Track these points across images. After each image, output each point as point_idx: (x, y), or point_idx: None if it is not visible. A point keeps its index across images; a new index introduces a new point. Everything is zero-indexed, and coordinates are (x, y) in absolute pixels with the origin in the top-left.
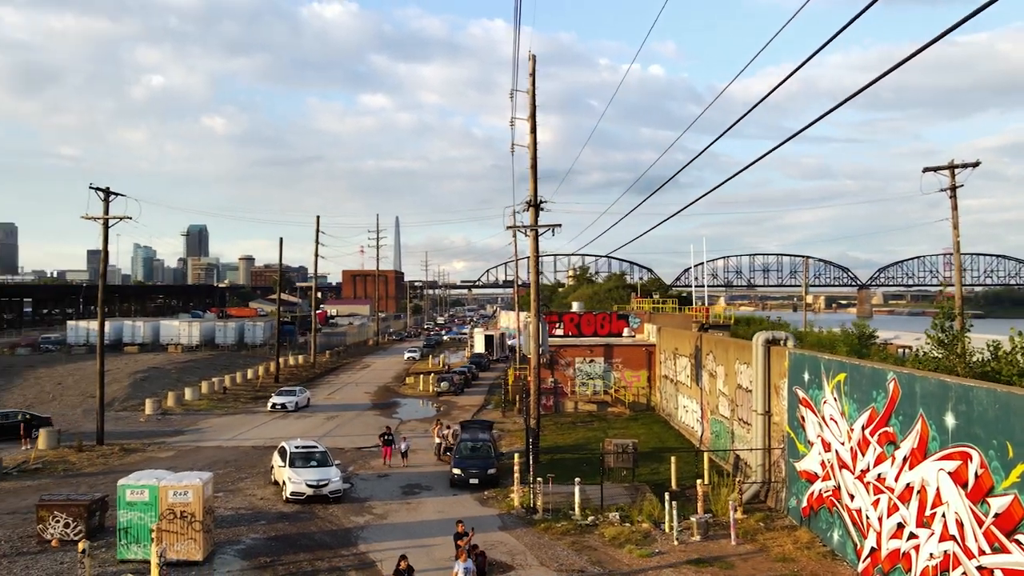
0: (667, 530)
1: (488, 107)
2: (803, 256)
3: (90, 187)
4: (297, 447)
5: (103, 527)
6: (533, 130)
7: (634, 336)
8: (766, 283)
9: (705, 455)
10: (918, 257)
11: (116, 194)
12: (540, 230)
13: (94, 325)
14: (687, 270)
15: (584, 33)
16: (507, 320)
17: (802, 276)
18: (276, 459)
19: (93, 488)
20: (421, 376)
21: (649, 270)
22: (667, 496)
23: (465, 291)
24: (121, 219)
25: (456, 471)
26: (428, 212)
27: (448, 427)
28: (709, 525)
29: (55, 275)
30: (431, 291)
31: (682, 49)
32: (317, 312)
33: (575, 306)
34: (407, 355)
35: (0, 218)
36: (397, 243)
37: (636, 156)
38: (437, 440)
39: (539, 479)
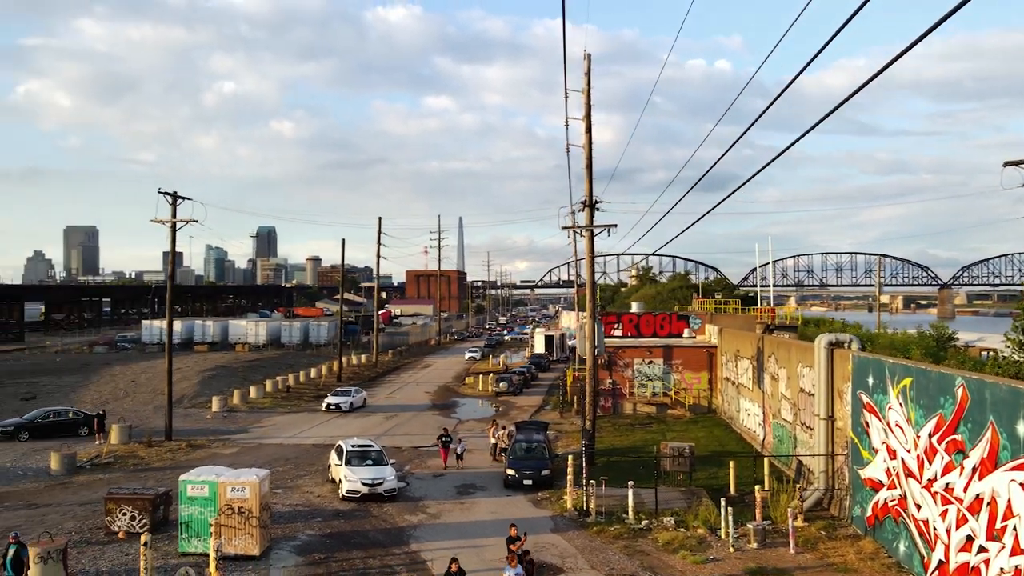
0: (723, 536)
1: (551, 107)
2: (878, 255)
3: (159, 191)
4: (353, 446)
5: (167, 520)
6: (588, 130)
7: (695, 337)
8: (839, 283)
9: (766, 460)
10: (1005, 255)
11: (183, 198)
12: (595, 230)
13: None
14: (754, 270)
15: (646, 29)
16: (568, 320)
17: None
18: (333, 457)
19: (159, 482)
20: (480, 376)
21: (715, 270)
22: (723, 501)
23: (527, 291)
24: (188, 222)
25: (510, 472)
26: (491, 212)
27: (503, 428)
28: (767, 532)
29: (133, 276)
30: (493, 291)
31: (748, 43)
32: (381, 312)
33: (634, 306)
34: (468, 355)
35: (83, 222)
36: (460, 243)
37: (701, 153)
38: (492, 441)
39: (592, 481)
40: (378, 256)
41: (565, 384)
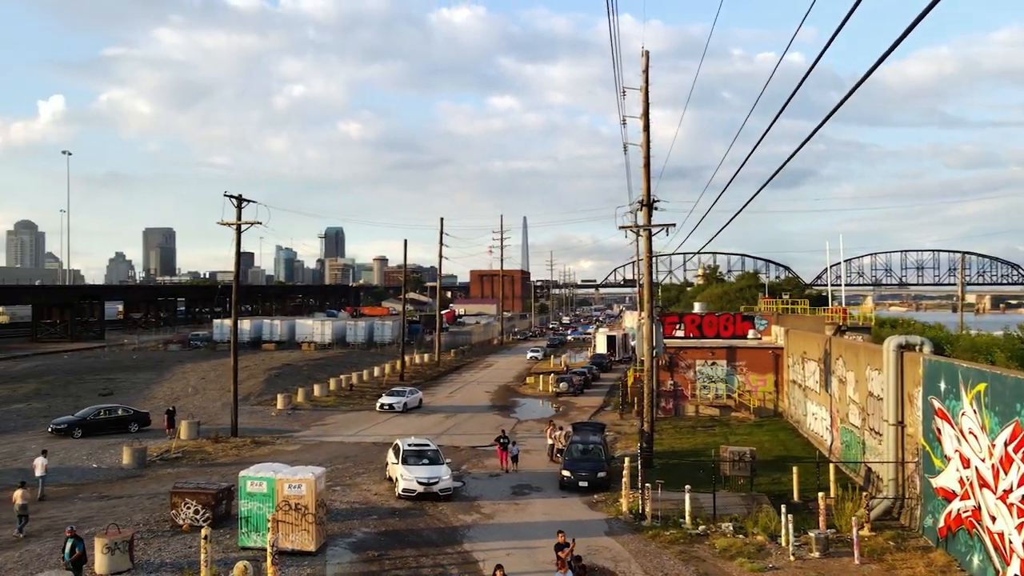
0: (783, 544)
1: (616, 104)
2: (963, 252)
3: (224, 195)
4: (410, 445)
5: (228, 515)
6: (646, 128)
7: (760, 339)
8: (920, 282)
9: (831, 466)
10: None
11: (248, 201)
12: (653, 230)
13: (239, 323)
14: (827, 269)
15: (721, 21)
16: (631, 320)
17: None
18: (390, 456)
19: (223, 478)
20: (541, 376)
21: (786, 268)
22: (783, 508)
23: (591, 290)
24: (252, 224)
25: (565, 473)
26: (556, 211)
27: (560, 428)
28: (830, 541)
29: (207, 276)
30: (557, 290)
31: (823, 36)
32: (445, 312)
33: (697, 307)
34: (529, 355)
35: (160, 224)
36: (524, 243)
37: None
38: (549, 441)
39: (648, 485)
40: (440, 256)
41: (626, 385)
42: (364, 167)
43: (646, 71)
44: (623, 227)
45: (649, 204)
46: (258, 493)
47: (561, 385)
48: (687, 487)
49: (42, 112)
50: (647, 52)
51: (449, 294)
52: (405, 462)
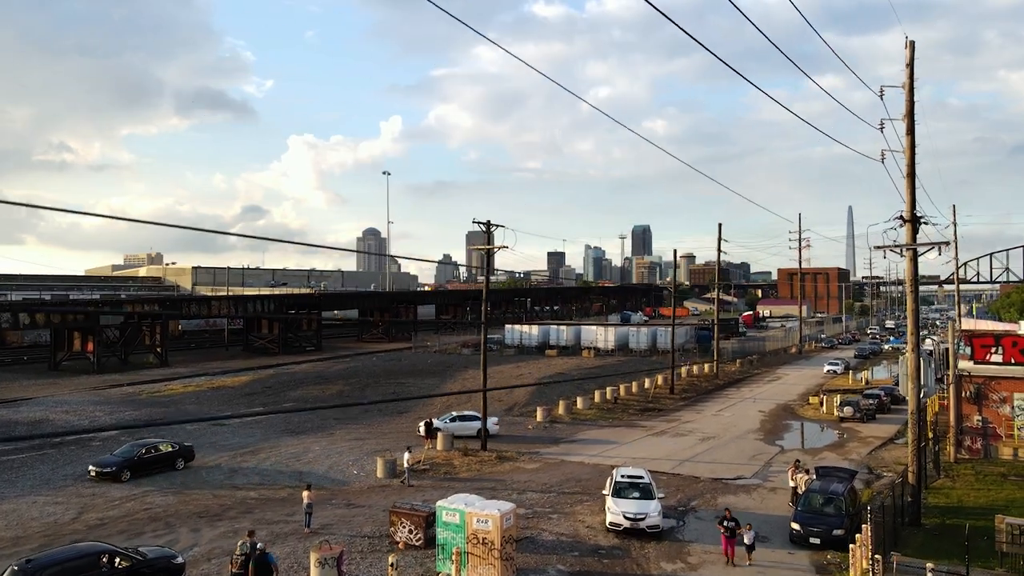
0: None
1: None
2: None
3: (473, 221)
4: (623, 476)
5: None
6: (910, 131)
7: None
8: None
9: None
10: None
11: (497, 226)
12: (920, 248)
13: (527, 328)
14: None
15: None
16: (970, 325)
17: None
18: (607, 485)
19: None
20: (828, 396)
21: None
22: None
23: (932, 287)
24: (500, 248)
25: (795, 526)
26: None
27: (806, 471)
28: None
29: (521, 275)
30: (889, 287)
31: None
32: (745, 314)
33: (1023, 326)
34: (827, 367)
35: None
36: (850, 235)
37: None
38: (791, 484)
39: (895, 552)
40: (718, 264)
41: (925, 414)
42: (670, 163)
43: (910, 65)
44: (880, 247)
45: (913, 220)
46: (452, 523)
47: (846, 410)
48: (928, 566)
49: (383, 131)
50: (912, 43)
51: (760, 292)
52: (617, 494)
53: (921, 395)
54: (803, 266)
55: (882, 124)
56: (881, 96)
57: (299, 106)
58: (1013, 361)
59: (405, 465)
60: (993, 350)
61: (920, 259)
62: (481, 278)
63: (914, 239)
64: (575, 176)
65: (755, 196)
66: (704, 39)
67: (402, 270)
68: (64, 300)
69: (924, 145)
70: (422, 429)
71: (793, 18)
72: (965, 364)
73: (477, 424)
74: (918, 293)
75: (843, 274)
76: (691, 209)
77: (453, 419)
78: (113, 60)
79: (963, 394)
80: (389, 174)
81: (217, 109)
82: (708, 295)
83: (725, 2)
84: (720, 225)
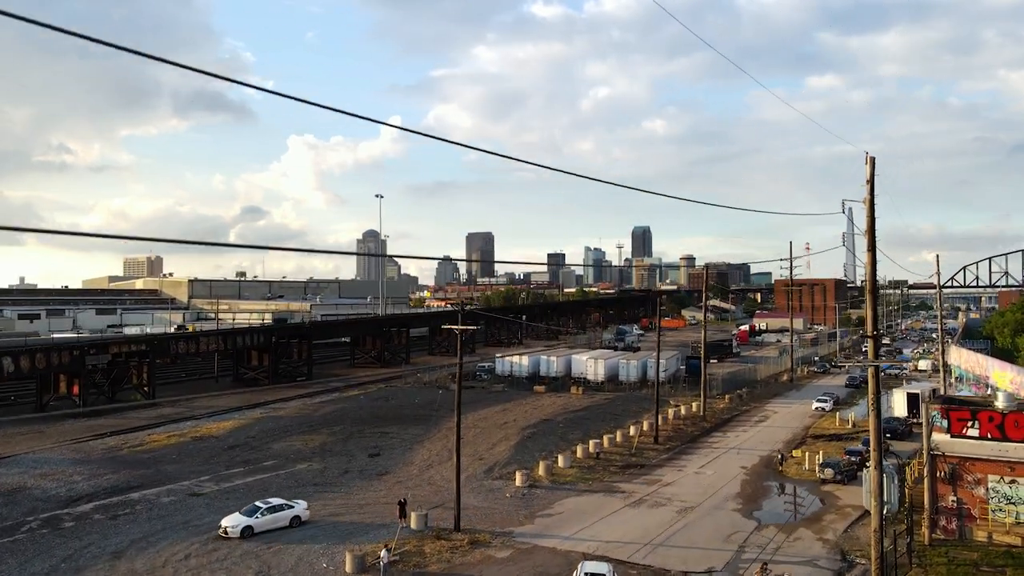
0: None
1: (968, 70)
2: None
3: (444, 258)
4: (587, 573)
5: None
6: (871, 247)
7: None
8: None
9: None
10: None
11: (453, 259)
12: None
13: (518, 359)
14: None
15: None
16: (957, 357)
17: None
18: None
19: None
20: (813, 448)
21: None
22: None
23: (930, 292)
24: (471, 329)
25: None
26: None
27: (769, 572)
28: None
29: (521, 277)
30: (891, 291)
31: None
32: (739, 331)
33: (1000, 397)
34: (815, 404)
35: (480, 228)
36: (850, 238)
37: None
38: None
39: None
40: (704, 305)
41: (904, 476)
42: (670, 162)
43: (871, 181)
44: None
45: (876, 337)
46: None
47: (826, 472)
48: None
49: (383, 131)
50: (872, 159)
51: (759, 297)
52: None
53: (884, 511)
54: (803, 273)
55: (843, 237)
56: (843, 210)
57: (299, 106)
58: (989, 436)
59: (382, 563)
60: (970, 424)
61: (920, 259)
62: (481, 279)
63: (876, 355)
64: (570, 179)
65: (755, 195)
66: (704, 39)
67: (402, 272)
68: (49, 344)
69: (925, 145)
70: (397, 511)
71: (793, 18)
72: (941, 437)
73: (290, 513)
74: (879, 413)
75: (839, 284)
76: (692, 209)
77: (263, 512)
78: (113, 61)
79: (937, 474)
80: (382, 197)
81: (216, 110)
82: (710, 302)
83: (722, 1)
84: (707, 266)
